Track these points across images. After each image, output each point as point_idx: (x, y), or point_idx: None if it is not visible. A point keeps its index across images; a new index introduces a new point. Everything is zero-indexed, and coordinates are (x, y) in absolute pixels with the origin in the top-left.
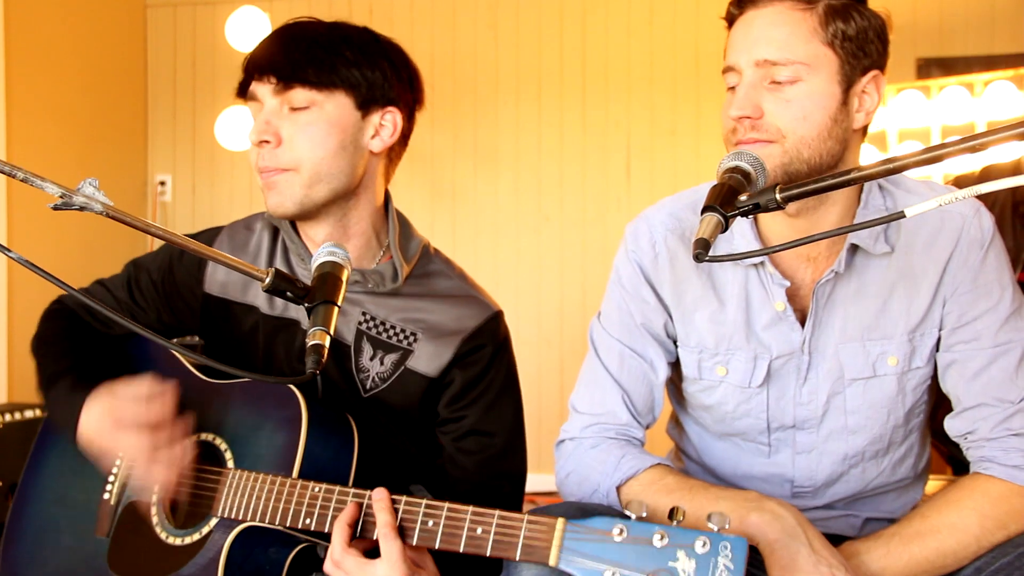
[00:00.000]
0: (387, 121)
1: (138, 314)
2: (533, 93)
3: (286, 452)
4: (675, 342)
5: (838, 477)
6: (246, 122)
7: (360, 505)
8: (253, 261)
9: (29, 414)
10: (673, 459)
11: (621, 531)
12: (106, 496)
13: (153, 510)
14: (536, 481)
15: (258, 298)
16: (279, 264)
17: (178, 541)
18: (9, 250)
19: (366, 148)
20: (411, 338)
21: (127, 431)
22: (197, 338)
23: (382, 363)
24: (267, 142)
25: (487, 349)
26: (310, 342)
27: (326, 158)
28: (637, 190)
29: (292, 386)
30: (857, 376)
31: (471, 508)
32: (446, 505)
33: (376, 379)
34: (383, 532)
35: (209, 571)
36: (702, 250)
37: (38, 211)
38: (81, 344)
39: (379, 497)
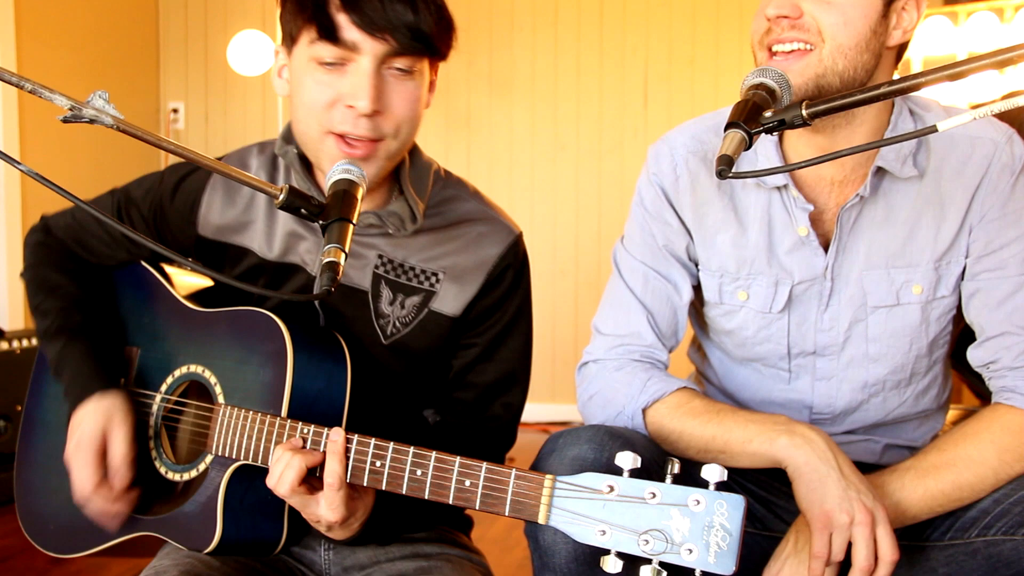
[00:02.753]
0: (434, 78)
1: (131, 249)
2: (549, 19)
3: (274, 389)
4: (697, 265)
5: (857, 406)
6: (260, 47)
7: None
8: (250, 201)
9: None
10: (694, 384)
11: (611, 488)
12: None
13: (151, 444)
14: (550, 411)
15: (254, 241)
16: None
17: (177, 477)
18: (19, 163)
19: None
20: (433, 279)
21: (85, 465)
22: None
23: (403, 307)
24: (378, 112)
25: (509, 273)
26: (324, 259)
27: (417, 124)
28: (654, 120)
29: (278, 320)
30: (880, 304)
31: (459, 459)
32: (433, 455)
33: (397, 324)
34: (329, 482)
35: (209, 509)
36: (725, 167)
37: (48, 128)
38: (89, 288)
39: (334, 439)
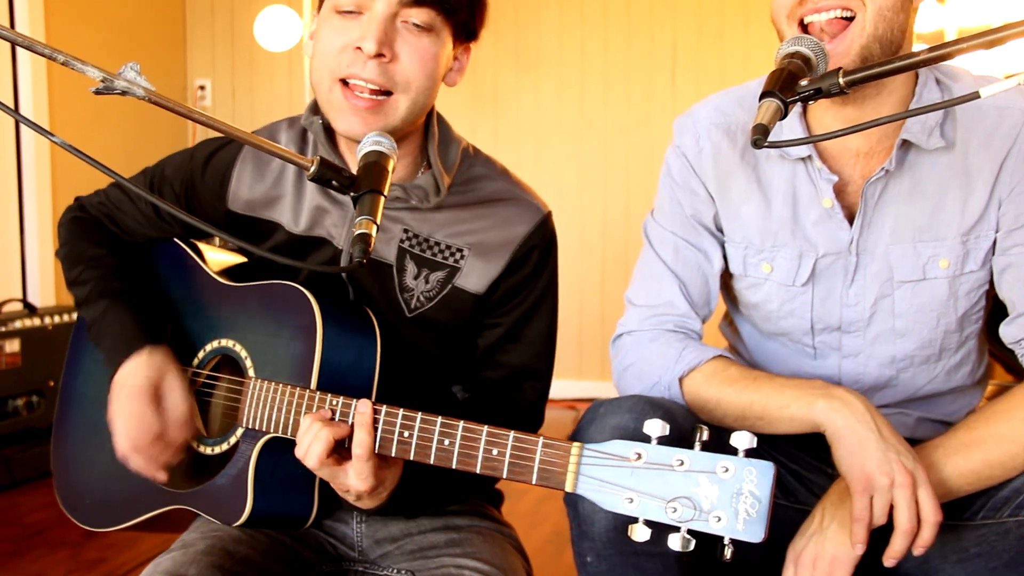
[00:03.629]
0: (462, 57)
1: (164, 227)
2: None
3: (303, 362)
4: (722, 239)
5: (886, 382)
6: (287, 22)
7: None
8: (279, 175)
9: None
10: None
11: (639, 456)
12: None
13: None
14: (577, 387)
15: (283, 215)
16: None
17: (208, 450)
18: (52, 134)
19: (442, 81)
20: (458, 255)
21: (129, 422)
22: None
23: (427, 281)
24: (382, 55)
25: (535, 253)
26: (356, 231)
27: (431, 88)
28: (682, 96)
29: (307, 293)
30: (906, 279)
31: (486, 428)
32: (461, 424)
33: (421, 298)
34: (358, 452)
35: (240, 481)
36: (760, 136)
37: (78, 105)
38: (125, 258)
39: (362, 410)
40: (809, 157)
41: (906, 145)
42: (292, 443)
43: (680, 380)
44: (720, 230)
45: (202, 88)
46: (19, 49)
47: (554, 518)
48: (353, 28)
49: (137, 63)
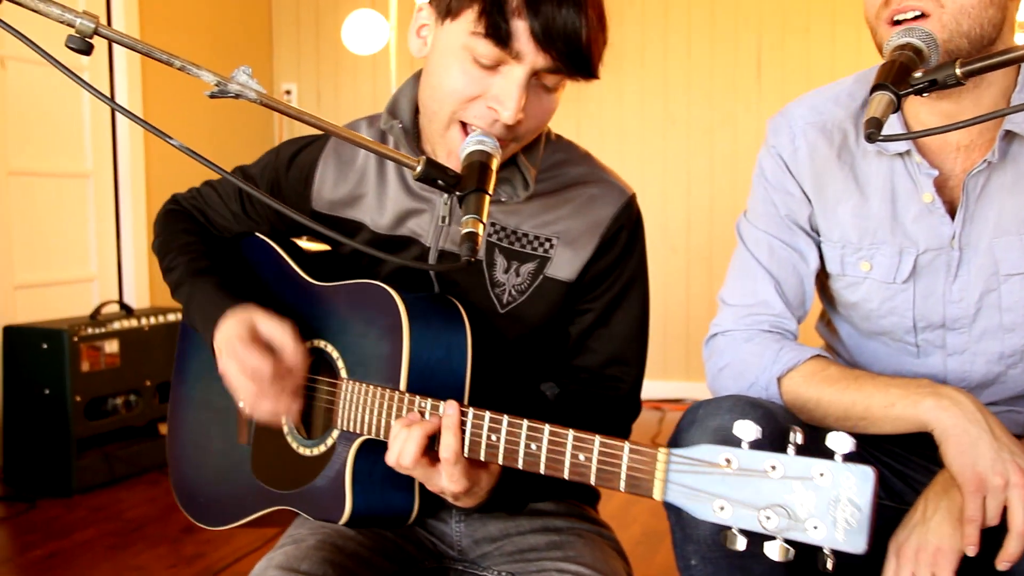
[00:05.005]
0: None
1: (252, 226)
2: None
3: (392, 363)
4: (818, 239)
5: (994, 378)
6: (374, 26)
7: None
8: (362, 175)
9: (172, 317)
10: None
11: (729, 461)
12: (240, 403)
13: (283, 419)
14: (662, 388)
15: (366, 215)
16: (392, 178)
17: (307, 452)
18: (170, 137)
19: None
20: (547, 244)
21: (242, 372)
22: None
23: (518, 274)
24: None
25: (623, 234)
26: (464, 230)
27: (545, 128)
28: (768, 92)
29: (392, 291)
30: (1013, 271)
31: (572, 432)
32: (547, 428)
33: (513, 292)
34: (445, 456)
35: (338, 483)
36: (874, 129)
37: (171, 104)
38: (213, 245)
39: (449, 412)
40: (908, 152)
41: (1009, 136)
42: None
43: (778, 380)
44: (815, 230)
45: (288, 92)
46: (116, 58)
47: (643, 519)
48: (488, 82)
49: (249, 67)
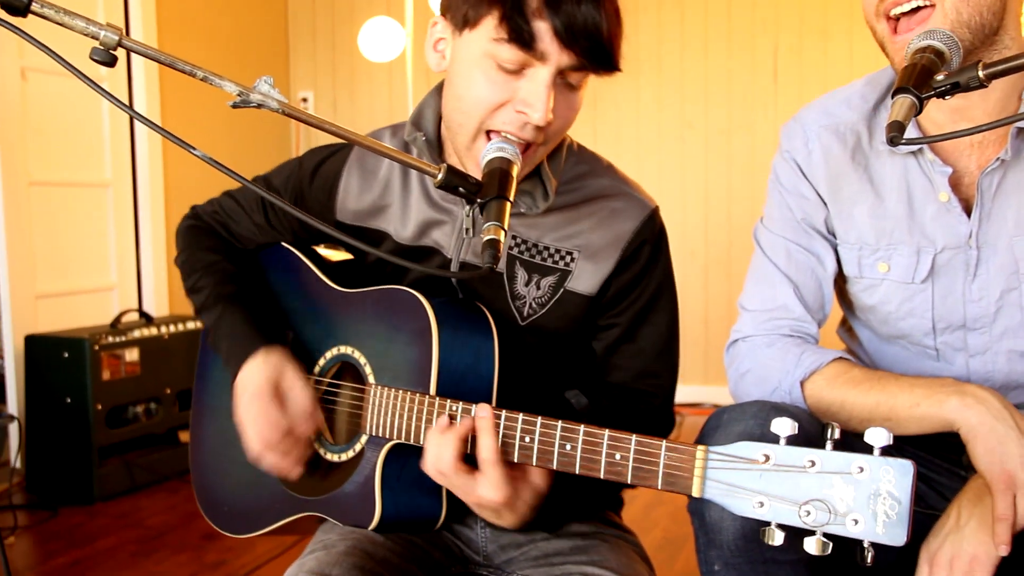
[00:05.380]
0: None
1: (275, 236)
2: None
3: (421, 367)
4: (834, 242)
5: (1018, 378)
6: (390, 34)
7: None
8: (386, 185)
9: (191, 325)
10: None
11: (767, 457)
12: (247, 449)
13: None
14: (680, 392)
15: (390, 225)
16: (415, 189)
17: (335, 458)
18: (194, 148)
19: None
20: (568, 258)
21: (256, 424)
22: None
23: (539, 287)
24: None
25: (646, 248)
26: (485, 237)
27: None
28: (785, 95)
29: (421, 296)
30: None
31: (607, 432)
32: (582, 428)
33: (533, 305)
34: (484, 457)
35: (367, 488)
36: (896, 133)
37: (189, 113)
38: (239, 264)
39: (483, 415)
40: (920, 151)
41: (1022, 134)
42: (416, 448)
43: (801, 384)
44: (832, 233)
45: (304, 100)
46: (134, 68)
47: (664, 524)
48: (514, 86)
49: (271, 76)
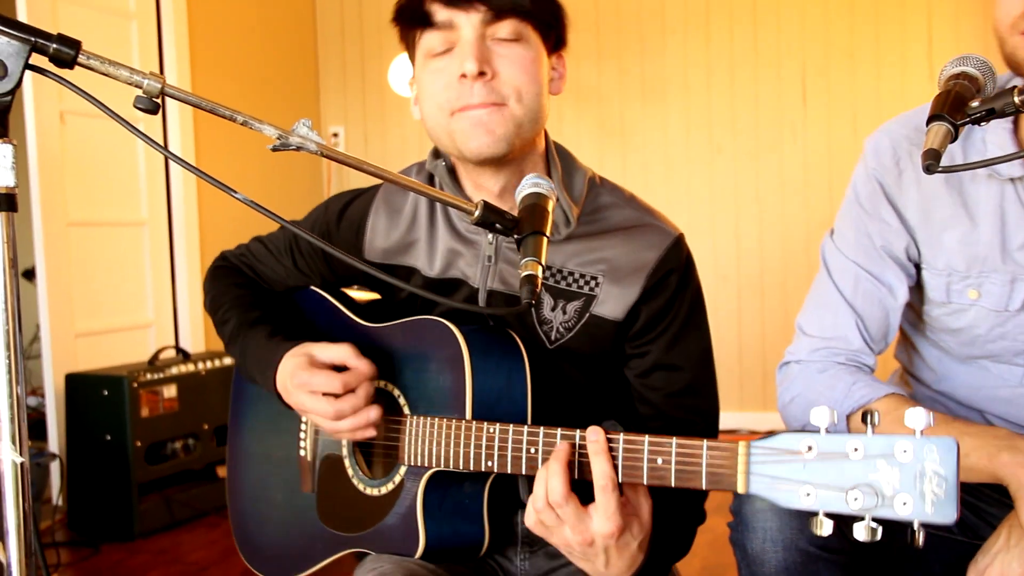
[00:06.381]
0: (559, 65)
1: (304, 281)
2: (701, 21)
3: (456, 393)
4: (917, 266)
5: None
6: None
7: (573, 444)
8: (412, 221)
9: (227, 361)
10: (897, 382)
11: (811, 447)
12: (302, 452)
13: (347, 463)
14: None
15: (418, 260)
16: (441, 222)
17: (375, 491)
18: (235, 191)
19: (548, 90)
20: (592, 283)
21: (314, 396)
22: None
23: (565, 312)
24: (484, 74)
25: (673, 276)
26: (523, 272)
27: (540, 93)
28: (813, 118)
29: (451, 325)
30: None
31: (647, 438)
32: (621, 436)
33: (560, 329)
34: (601, 484)
35: (410, 518)
36: (932, 161)
37: (222, 154)
38: (263, 297)
39: (595, 439)
40: (1021, 178)
41: None
42: (456, 475)
43: (848, 417)
44: (912, 260)
45: (335, 135)
46: (168, 110)
47: (703, 553)
48: (450, 63)
49: (309, 119)
